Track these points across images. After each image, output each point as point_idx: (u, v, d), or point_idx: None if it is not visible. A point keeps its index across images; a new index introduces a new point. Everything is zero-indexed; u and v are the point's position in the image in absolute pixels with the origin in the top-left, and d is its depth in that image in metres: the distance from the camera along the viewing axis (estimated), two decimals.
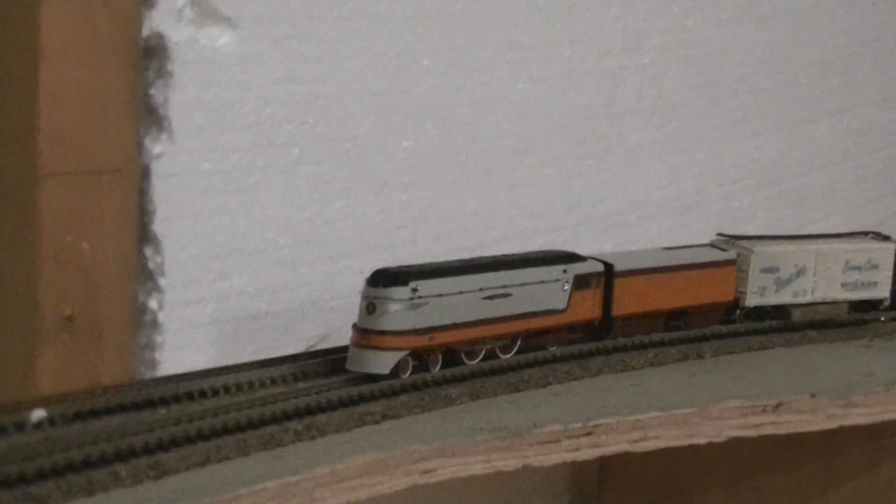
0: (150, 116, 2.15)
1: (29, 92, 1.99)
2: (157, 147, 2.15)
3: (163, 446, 1.73)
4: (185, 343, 2.18)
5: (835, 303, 2.38)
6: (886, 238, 2.47)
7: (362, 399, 1.96)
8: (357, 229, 2.48)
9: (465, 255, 2.34)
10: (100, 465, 1.65)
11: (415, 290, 1.84)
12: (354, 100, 2.45)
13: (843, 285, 2.39)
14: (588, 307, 2.11)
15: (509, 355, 2.01)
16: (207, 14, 2.19)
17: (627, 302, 2.16)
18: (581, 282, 2.08)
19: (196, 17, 2.18)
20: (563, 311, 2.06)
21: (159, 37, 2.13)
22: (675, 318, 2.25)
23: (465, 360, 1.94)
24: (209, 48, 2.21)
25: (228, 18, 2.21)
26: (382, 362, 1.83)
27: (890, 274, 2.45)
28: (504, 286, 1.97)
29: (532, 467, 2.06)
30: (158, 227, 2.16)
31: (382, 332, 1.83)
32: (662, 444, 2.13)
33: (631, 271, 2.17)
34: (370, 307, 1.84)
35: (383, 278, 1.85)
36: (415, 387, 2.05)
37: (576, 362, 2.26)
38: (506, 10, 2.65)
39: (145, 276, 2.17)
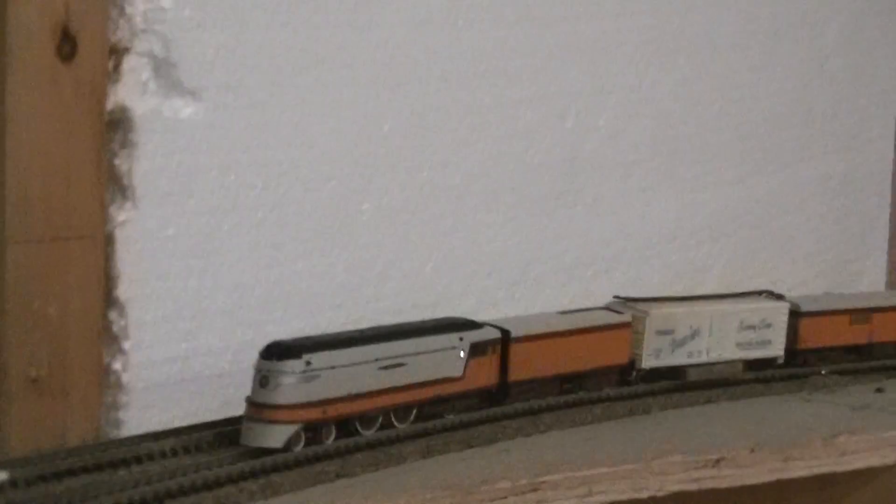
0: (115, 184, 2.11)
1: None
2: (121, 214, 2.10)
3: None
4: (151, 402, 2.15)
5: (730, 362, 2.38)
6: (780, 297, 2.48)
7: (316, 458, 1.93)
8: (321, 288, 2.37)
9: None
10: None
11: (308, 363, 1.80)
12: (317, 164, 2.40)
13: (738, 345, 2.38)
14: (484, 374, 2.08)
15: (405, 424, 1.97)
16: (171, 86, 2.15)
17: (523, 367, 2.12)
18: (477, 349, 2.05)
19: (160, 90, 2.14)
20: (460, 378, 2.03)
21: (123, 109, 2.10)
22: (570, 381, 2.22)
23: (361, 430, 1.90)
24: (173, 119, 2.16)
25: (192, 90, 2.18)
26: (275, 436, 1.78)
27: (784, 332, 2.45)
28: (399, 356, 1.93)
29: None
30: (123, 291, 2.11)
31: (275, 406, 1.79)
32: (610, 498, 2.10)
33: (526, 337, 2.14)
34: (263, 380, 1.80)
35: (276, 351, 1.82)
36: (369, 445, 2.02)
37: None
38: (466, 73, 2.64)
39: (110, 339, 2.11)
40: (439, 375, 1.98)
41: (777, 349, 2.45)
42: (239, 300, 2.25)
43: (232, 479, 1.82)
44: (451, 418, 2.05)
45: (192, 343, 2.16)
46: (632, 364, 2.29)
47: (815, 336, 2.49)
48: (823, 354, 2.52)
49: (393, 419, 1.95)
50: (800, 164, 3.28)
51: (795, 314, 2.48)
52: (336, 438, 1.86)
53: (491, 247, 2.72)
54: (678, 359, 2.31)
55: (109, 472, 1.87)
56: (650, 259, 3.00)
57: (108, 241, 2.11)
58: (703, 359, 2.34)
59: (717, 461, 2.19)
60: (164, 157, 2.16)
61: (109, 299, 2.11)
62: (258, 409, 1.78)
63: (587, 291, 2.78)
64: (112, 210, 2.11)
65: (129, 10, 2.09)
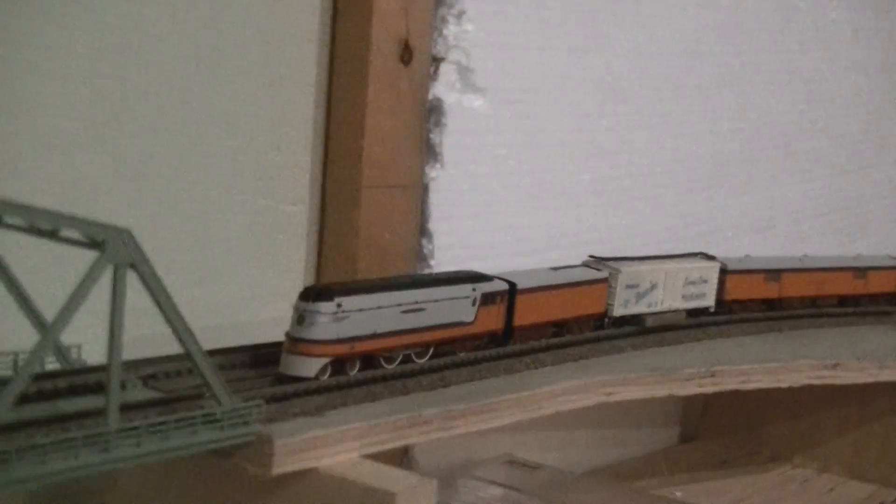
0: (430, 151, 2.30)
1: (358, 132, 2.14)
2: (433, 172, 2.30)
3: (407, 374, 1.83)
4: None
5: (677, 311, 2.30)
6: (712, 258, 2.41)
7: (563, 345, 2.08)
8: (556, 233, 2.54)
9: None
10: None
11: (339, 305, 1.67)
12: (555, 145, 2.57)
13: (683, 297, 2.31)
14: (493, 319, 1.96)
15: (424, 360, 1.84)
16: (469, 86, 2.33)
17: (525, 315, 2.01)
18: (487, 298, 1.93)
19: (462, 88, 2.33)
20: (471, 323, 1.90)
21: (438, 100, 2.30)
22: (559, 327, 2.10)
23: (384, 365, 1.78)
24: (468, 108, 2.35)
25: (481, 89, 2.35)
26: (308, 367, 1.66)
27: (715, 287, 2.38)
28: (419, 302, 1.80)
29: (664, 399, 2.21)
30: (432, 225, 2.30)
31: (309, 341, 1.66)
32: (760, 385, 2.25)
33: (528, 289, 2.02)
34: (300, 319, 1.67)
35: (312, 294, 1.69)
36: (597, 339, 2.17)
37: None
38: (663, 89, 2.79)
39: (421, 258, 2.31)
40: (454, 320, 1.87)
41: (710, 300, 2.38)
42: (502, 237, 2.41)
43: (514, 355, 1.98)
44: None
45: (472, 263, 2.17)
46: (605, 312, 2.20)
47: (737, 290, 2.44)
48: (744, 305, 2.47)
49: (413, 356, 1.83)
50: (875, 167, 3.45)
51: (724, 272, 2.41)
52: (360, 370, 1.74)
53: (667, 212, 2.87)
54: (640, 308, 2.24)
55: None
56: (770, 228, 3.17)
57: (424, 190, 2.30)
58: (658, 308, 2.26)
59: (835, 365, 2.33)
60: (462, 134, 2.33)
61: (422, 230, 2.30)
62: (294, 343, 1.67)
63: (726, 250, 2.78)
64: (427, 169, 2.30)
65: (445, 31, 2.27)
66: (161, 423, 1.43)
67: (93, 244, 1.39)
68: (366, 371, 1.74)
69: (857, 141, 3.36)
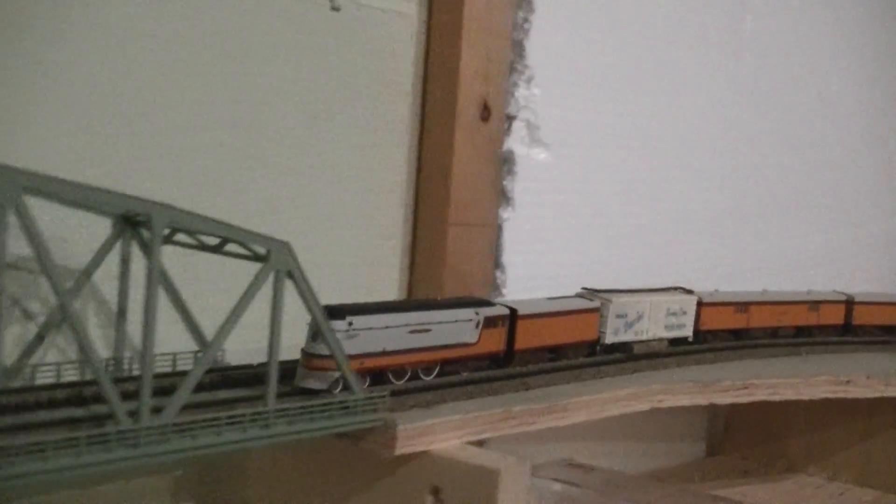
0: (503, 196, 2.36)
1: (445, 177, 2.21)
2: (506, 213, 2.35)
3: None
4: None
5: (661, 339, 2.22)
6: (690, 292, 2.32)
7: (616, 361, 2.11)
8: (603, 267, 2.55)
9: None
10: None
11: (350, 323, 1.62)
12: (605, 193, 2.62)
13: (666, 326, 2.23)
14: (494, 342, 1.89)
15: (430, 377, 1.79)
16: (535, 140, 2.39)
17: (525, 339, 1.94)
18: (490, 322, 1.86)
19: (530, 142, 2.39)
20: (475, 344, 1.84)
21: (511, 152, 2.35)
22: (555, 351, 2.03)
23: (393, 380, 1.72)
24: (535, 159, 2.40)
25: (545, 143, 2.40)
26: (320, 380, 1.60)
27: (693, 318, 2.30)
28: (425, 323, 1.74)
29: (692, 417, 2.32)
30: (504, 259, 2.35)
31: (322, 356, 1.59)
32: (785, 397, 2.28)
33: (528, 315, 1.95)
34: (314, 336, 1.60)
35: (326, 312, 1.58)
36: (647, 356, 2.18)
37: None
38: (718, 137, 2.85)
39: (495, 287, 2.34)
40: (458, 341, 1.81)
41: (688, 330, 2.30)
42: (563, 270, 2.44)
43: (576, 367, 2.04)
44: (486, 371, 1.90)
45: (538, 293, 2.19)
46: (598, 340, 2.13)
47: (712, 321, 2.36)
48: (716, 334, 2.39)
49: (420, 373, 1.78)
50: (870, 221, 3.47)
51: (700, 304, 2.33)
52: (370, 385, 1.67)
53: (700, 254, 2.89)
54: (628, 336, 2.16)
55: None
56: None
57: (498, 229, 2.35)
58: (644, 337, 2.19)
59: (847, 381, 2.36)
60: (530, 182, 2.38)
61: (497, 263, 2.35)
62: (309, 358, 1.61)
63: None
64: (500, 211, 2.36)
65: (517, 94, 2.34)
66: (309, 408, 1.54)
67: (256, 257, 1.51)
68: (379, 385, 1.68)
69: (854, 198, 3.39)
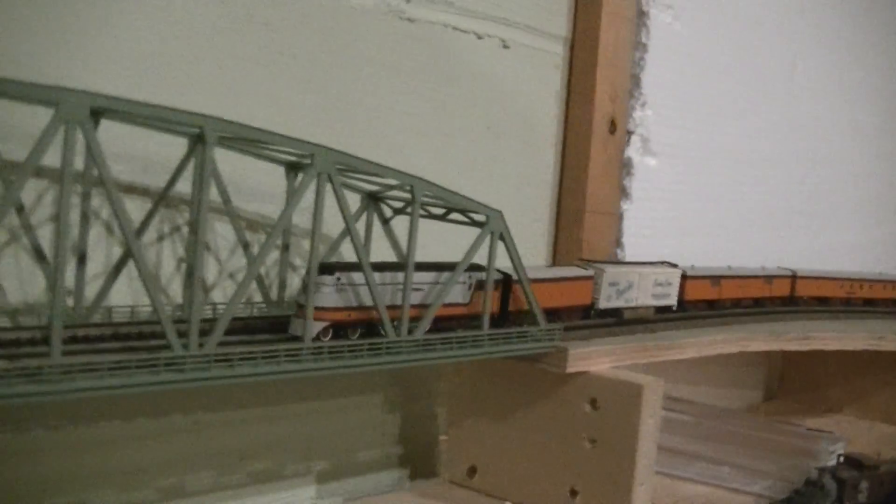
0: (623, 192, 2.41)
1: (583, 176, 2.28)
2: (625, 205, 2.40)
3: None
4: None
5: (648, 307, 2.08)
6: (675, 266, 2.15)
7: (719, 315, 2.18)
8: (699, 251, 2.52)
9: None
10: None
11: (338, 278, 1.45)
12: (703, 194, 2.65)
13: (653, 295, 2.08)
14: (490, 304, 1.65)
15: (422, 333, 1.55)
16: (648, 151, 2.45)
17: (519, 301, 1.74)
18: (481, 285, 1.65)
19: (643, 152, 2.44)
20: (467, 304, 1.65)
21: (629, 159, 2.41)
22: (552, 314, 1.80)
23: (385, 332, 1.49)
24: (647, 165, 2.45)
25: (655, 153, 2.46)
26: (310, 328, 1.41)
27: (677, 289, 2.14)
28: (414, 283, 1.52)
29: (749, 363, 2.37)
30: (624, 240, 2.40)
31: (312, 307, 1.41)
32: (834, 347, 2.30)
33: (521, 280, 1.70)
34: (305, 288, 1.44)
35: (318, 268, 1.43)
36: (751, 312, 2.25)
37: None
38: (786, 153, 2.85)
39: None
40: (449, 301, 1.60)
41: (673, 300, 2.14)
42: (668, 252, 2.43)
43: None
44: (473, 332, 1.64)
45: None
46: (592, 305, 1.96)
47: (692, 292, 2.20)
48: (695, 304, 2.22)
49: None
50: None
51: (684, 277, 2.17)
52: (361, 336, 1.49)
53: (779, 243, 2.88)
54: (620, 303, 2.01)
55: None
56: None
57: (620, 217, 2.42)
58: (633, 304, 2.03)
59: (880, 337, 2.37)
60: (643, 181, 2.45)
61: (618, 242, 2.42)
62: (300, 308, 1.45)
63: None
64: (621, 203, 2.43)
65: (634, 114, 2.40)
66: (507, 334, 1.67)
67: (476, 223, 1.63)
68: (370, 337, 1.49)
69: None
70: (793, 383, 2.94)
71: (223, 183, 1.51)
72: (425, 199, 1.54)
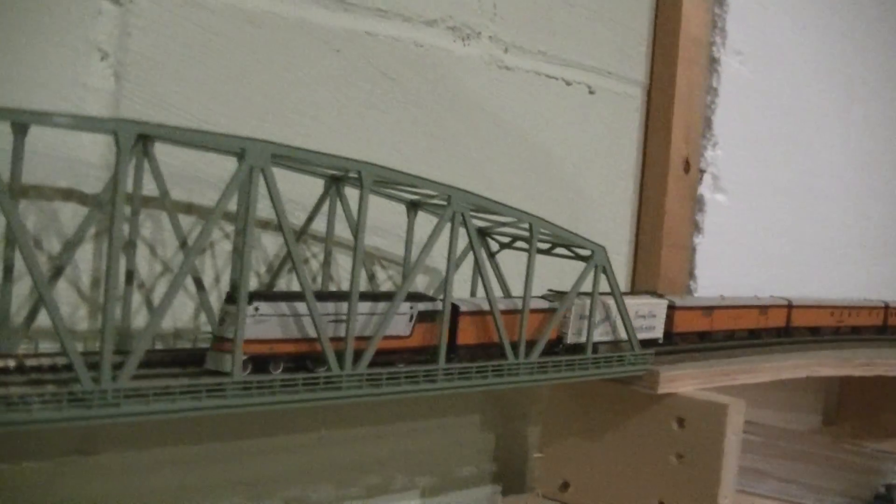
0: (696, 227, 2.50)
1: (660, 211, 2.37)
2: (697, 239, 2.50)
3: None
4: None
5: (626, 341, 1.82)
6: (661, 296, 2.00)
7: (790, 342, 2.22)
8: (765, 283, 2.54)
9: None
10: None
11: (256, 308, 1.32)
12: (768, 228, 2.70)
13: (634, 328, 1.82)
14: (432, 336, 1.53)
15: (358, 368, 1.40)
16: (718, 188, 2.54)
17: (468, 335, 1.58)
18: (425, 316, 1.51)
19: (714, 189, 2.54)
20: (407, 337, 1.49)
21: (701, 195, 2.51)
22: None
23: (312, 367, 1.38)
24: (718, 202, 2.54)
25: (724, 189, 2.54)
26: (226, 362, 1.30)
27: (663, 320, 1.96)
28: (344, 313, 1.39)
29: (808, 389, 2.41)
30: (697, 272, 2.50)
31: (227, 340, 1.31)
32: (890, 373, 2.33)
33: (472, 311, 1.58)
34: (221, 319, 1.33)
35: (233, 296, 1.33)
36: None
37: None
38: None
39: (689, 292, 2.45)
40: (388, 332, 1.45)
41: (658, 332, 1.94)
42: (738, 282, 2.50)
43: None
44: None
45: (712, 290, 2.32)
46: (559, 339, 1.75)
47: (682, 324, 2.06)
48: (684, 337, 2.07)
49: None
50: None
51: (671, 308, 2.00)
52: (284, 371, 1.37)
53: (853, 267, 2.92)
54: (593, 337, 1.75)
55: None
56: None
57: (692, 250, 2.51)
58: (610, 337, 1.83)
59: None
60: (714, 217, 2.51)
61: (691, 273, 2.51)
62: (216, 341, 1.33)
63: None
64: (694, 237, 2.51)
65: (706, 154, 2.49)
66: (601, 359, 1.77)
67: (580, 258, 1.75)
68: (294, 372, 1.36)
69: None
70: (850, 408, 2.96)
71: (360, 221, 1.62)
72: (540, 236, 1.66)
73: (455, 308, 1.56)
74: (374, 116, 1.84)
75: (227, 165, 1.38)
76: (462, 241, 1.54)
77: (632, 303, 1.87)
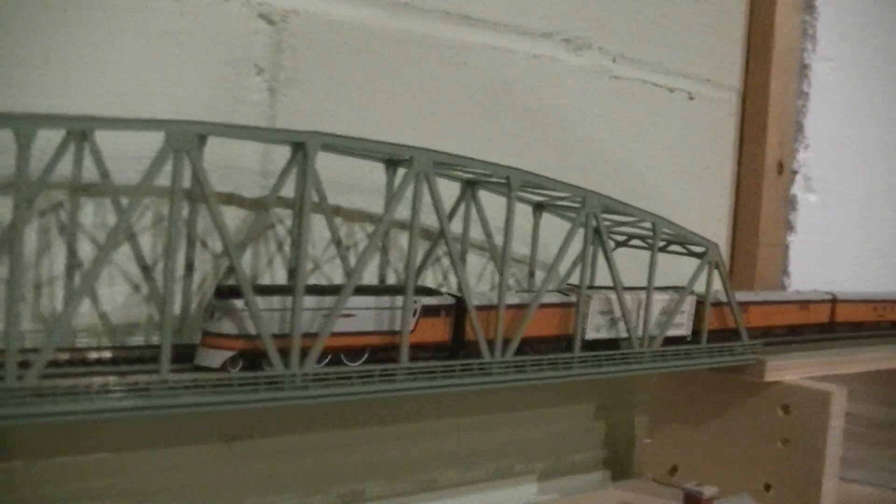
0: (788, 226, 2.57)
1: (756, 212, 2.43)
2: (790, 237, 2.56)
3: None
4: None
5: (651, 337, 1.75)
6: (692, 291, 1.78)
7: (876, 335, 2.21)
8: (850, 280, 2.53)
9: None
10: None
11: (246, 303, 1.27)
12: (856, 228, 2.72)
13: (659, 325, 1.76)
14: (437, 332, 1.48)
15: (357, 363, 1.39)
16: (809, 188, 2.59)
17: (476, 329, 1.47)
18: (429, 311, 1.46)
19: (805, 189, 2.59)
20: (410, 332, 1.41)
21: (794, 195, 2.57)
22: (524, 345, 1.54)
23: (279, 364, 1.30)
24: (809, 201, 2.55)
25: (816, 190, 2.57)
26: (213, 358, 1.28)
27: (691, 316, 1.85)
28: (348, 308, 1.35)
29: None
30: (790, 268, 2.54)
31: (216, 335, 1.29)
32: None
33: (480, 306, 1.49)
34: (210, 315, 1.31)
35: (223, 291, 1.31)
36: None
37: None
38: None
39: (783, 288, 2.50)
40: (391, 328, 1.41)
41: (686, 329, 1.85)
42: (829, 278, 2.49)
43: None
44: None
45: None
46: (573, 335, 1.64)
47: (715, 320, 1.89)
48: (717, 333, 1.91)
49: (343, 357, 1.39)
50: None
51: (700, 304, 1.86)
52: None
53: None
54: (612, 333, 1.70)
55: None
56: None
57: (786, 248, 2.58)
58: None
59: None
60: (806, 216, 2.57)
61: (785, 270, 2.57)
62: (204, 336, 1.31)
63: None
64: (787, 236, 2.58)
65: (797, 156, 2.56)
66: (714, 348, 1.84)
67: (694, 254, 1.83)
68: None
69: None
70: None
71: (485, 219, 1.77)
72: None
73: (459, 301, 1.53)
74: (494, 125, 1.91)
75: (366, 173, 1.52)
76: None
77: (655, 297, 1.77)
